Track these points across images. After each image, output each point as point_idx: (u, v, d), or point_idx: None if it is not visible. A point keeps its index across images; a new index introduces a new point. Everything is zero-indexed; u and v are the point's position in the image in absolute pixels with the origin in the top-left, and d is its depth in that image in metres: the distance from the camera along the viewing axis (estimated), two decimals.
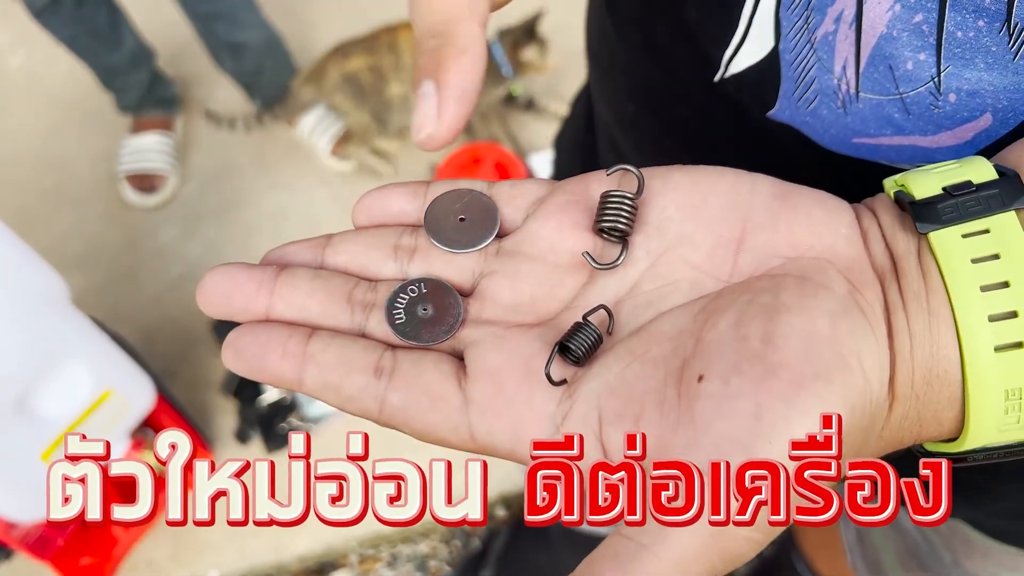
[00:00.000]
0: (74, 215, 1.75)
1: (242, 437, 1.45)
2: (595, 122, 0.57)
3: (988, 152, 0.30)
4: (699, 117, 0.39)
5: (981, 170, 0.27)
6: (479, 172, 1.61)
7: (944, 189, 0.26)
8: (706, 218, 0.28)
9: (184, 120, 1.85)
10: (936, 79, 0.30)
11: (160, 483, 1.22)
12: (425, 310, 0.29)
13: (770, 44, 0.33)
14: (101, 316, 1.20)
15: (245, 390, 1.46)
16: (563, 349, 0.27)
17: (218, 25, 1.60)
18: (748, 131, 0.37)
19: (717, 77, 0.36)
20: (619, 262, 0.28)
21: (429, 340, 0.29)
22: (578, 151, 0.63)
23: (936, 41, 0.29)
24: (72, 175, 1.81)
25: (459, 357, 0.29)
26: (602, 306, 0.28)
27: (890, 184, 0.29)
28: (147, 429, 1.28)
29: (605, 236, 0.29)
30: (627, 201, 0.28)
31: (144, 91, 1.72)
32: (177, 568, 1.36)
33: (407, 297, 0.29)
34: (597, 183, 0.30)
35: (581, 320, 0.27)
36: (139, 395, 1.16)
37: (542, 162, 1.70)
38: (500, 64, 1.59)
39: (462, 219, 0.30)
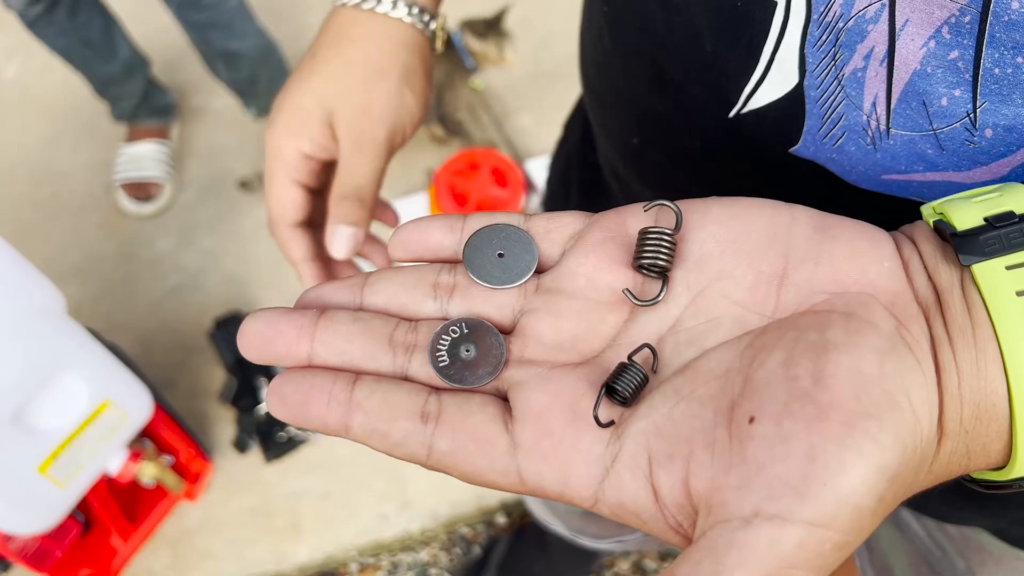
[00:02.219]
0: (70, 225, 1.75)
1: (241, 446, 1.44)
2: (595, 146, 0.57)
3: None
4: (711, 151, 0.39)
5: (1022, 199, 0.26)
6: (476, 177, 1.61)
7: (986, 219, 0.26)
8: (746, 252, 0.28)
9: (180, 128, 1.85)
10: (972, 115, 0.30)
11: (159, 494, 1.22)
12: (468, 351, 0.29)
13: (794, 80, 0.33)
14: (98, 326, 1.19)
15: (243, 399, 1.45)
16: (610, 390, 0.27)
17: (213, 34, 1.60)
18: (766, 166, 0.37)
19: (733, 112, 0.36)
20: (660, 298, 0.28)
21: (473, 382, 0.28)
22: (576, 168, 0.62)
23: (972, 77, 0.29)
24: (68, 185, 1.81)
25: (503, 397, 0.28)
26: (646, 345, 0.28)
27: (928, 212, 0.28)
28: (145, 439, 1.27)
29: (645, 272, 0.29)
30: (666, 237, 0.28)
31: (139, 100, 1.72)
32: None
33: (449, 338, 0.29)
34: (633, 218, 0.30)
35: (627, 360, 0.27)
36: (136, 406, 1.15)
37: (539, 167, 1.70)
38: (463, 57, 1.59)
39: (500, 255, 0.30)
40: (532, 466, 0.26)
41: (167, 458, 1.32)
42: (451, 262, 0.31)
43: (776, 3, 0.32)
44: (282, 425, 1.43)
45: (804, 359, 0.25)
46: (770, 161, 0.36)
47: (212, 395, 1.50)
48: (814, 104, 0.33)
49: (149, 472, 1.23)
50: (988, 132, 0.30)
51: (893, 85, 0.30)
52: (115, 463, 1.17)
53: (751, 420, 0.24)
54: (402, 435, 0.27)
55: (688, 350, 0.28)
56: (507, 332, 0.30)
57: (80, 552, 1.28)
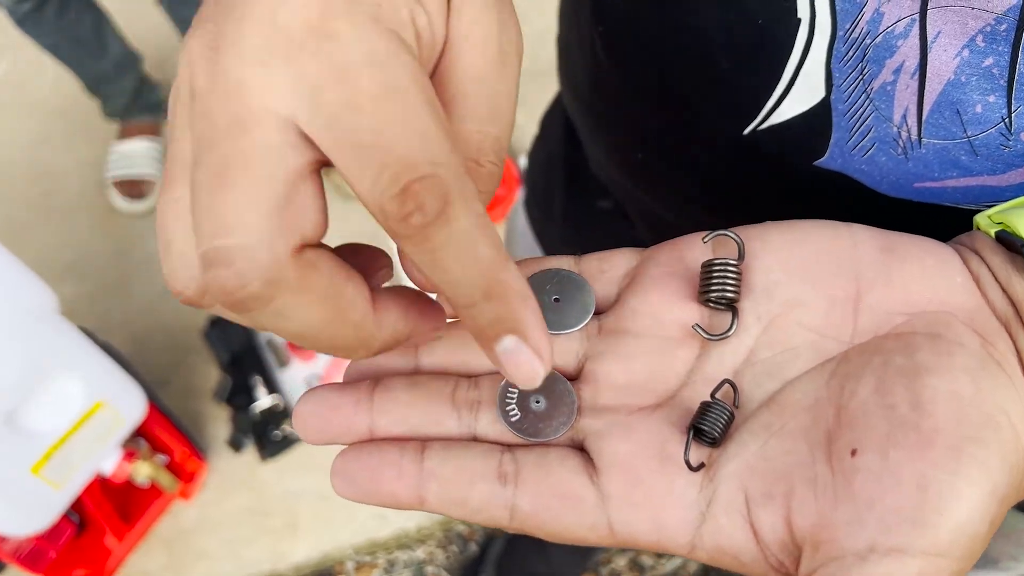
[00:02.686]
0: (63, 224, 1.74)
1: (236, 445, 1.44)
2: (578, 146, 0.56)
3: None
4: (726, 165, 0.38)
5: None
6: None
7: None
8: (815, 278, 0.27)
9: None
10: (1007, 119, 0.29)
11: (154, 493, 1.21)
12: (538, 402, 0.28)
13: (820, 95, 0.32)
14: (92, 326, 1.19)
15: (238, 397, 1.45)
16: (697, 431, 0.26)
17: None
18: (788, 179, 0.36)
19: (750, 128, 0.35)
20: (731, 332, 0.28)
21: (549, 435, 0.27)
22: (559, 167, 0.61)
23: (1008, 83, 0.29)
24: (60, 184, 1.80)
25: (578, 447, 0.28)
26: (727, 381, 0.27)
27: (985, 222, 0.28)
28: (139, 439, 1.27)
29: (711, 305, 0.28)
30: (731, 268, 0.27)
31: (131, 97, 1.71)
32: None
33: (516, 390, 0.28)
34: (690, 251, 0.29)
35: (710, 399, 0.26)
36: (130, 406, 1.15)
37: None
38: None
39: (556, 299, 0.29)
40: (624, 517, 0.26)
41: (162, 457, 1.31)
42: None
43: (800, 19, 0.31)
44: (277, 423, 1.43)
45: (898, 385, 0.24)
46: (792, 174, 0.36)
47: (207, 394, 1.49)
48: (841, 117, 0.32)
49: (144, 472, 1.23)
50: (1023, 136, 0.30)
51: (925, 96, 0.30)
52: (109, 463, 1.16)
53: (853, 453, 0.24)
54: (482, 500, 0.26)
55: (769, 382, 0.27)
56: (573, 379, 0.29)
57: (74, 552, 1.27)
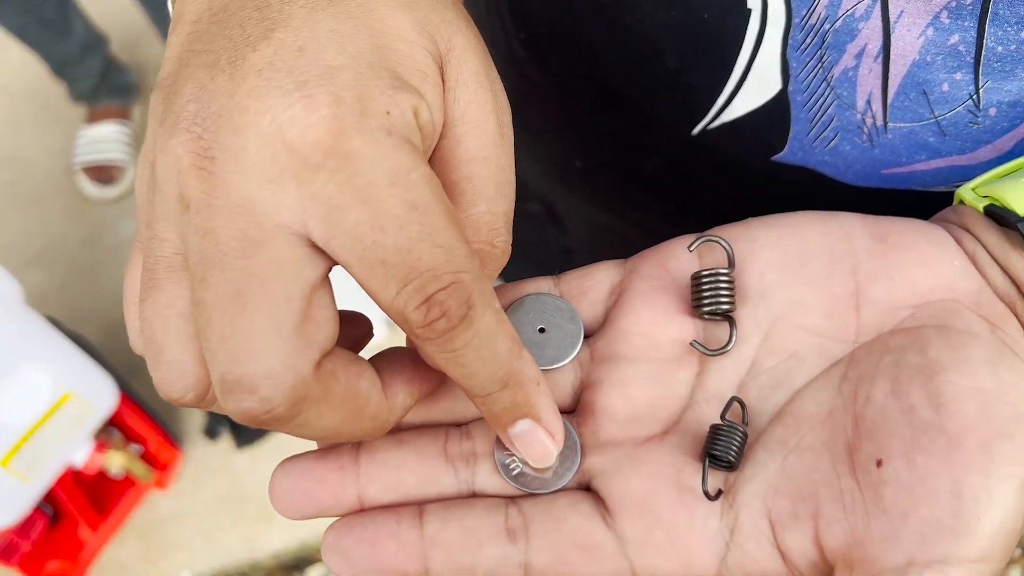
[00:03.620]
0: (30, 212, 1.71)
1: (211, 433, 1.43)
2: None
3: None
4: (676, 168, 0.37)
5: None
6: None
7: None
8: (811, 277, 0.26)
9: (142, 108, 1.81)
10: (975, 96, 0.29)
11: (128, 484, 1.20)
12: None
13: (776, 87, 0.31)
14: (62, 315, 1.17)
15: None
16: (711, 457, 0.25)
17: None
18: (745, 177, 0.35)
19: (699, 127, 0.34)
20: (731, 346, 0.26)
21: (555, 485, 0.26)
22: None
23: (974, 59, 0.28)
24: (27, 170, 1.76)
25: (586, 487, 0.26)
26: (735, 398, 0.26)
27: (971, 196, 0.27)
28: (112, 429, 1.25)
29: (706, 317, 0.27)
30: (723, 277, 0.26)
31: (97, 79, 1.67)
32: (148, 569, 1.34)
33: None
34: (674, 260, 0.28)
35: (720, 422, 0.25)
36: (101, 396, 1.13)
37: None
38: None
39: (542, 329, 0.28)
40: (647, 559, 0.25)
41: (136, 447, 1.30)
42: None
43: (751, 10, 0.30)
44: None
45: (914, 385, 0.24)
46: (749, 172, 0.34)
47: None
48: (800, 109, 0.31)
49: (117, 462, 1.21)
50: (992, 111, 0.29)
51: (890, 79, 0.29)
52: (81, 454, 1.15)
53: (879, 463, 0.23)
54: (493, 562, 0.25)
55: (776, 393, 0.26)
56: (570, 412, 0.28)
57: (48, 545, 1.26)
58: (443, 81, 0.24)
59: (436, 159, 0.24)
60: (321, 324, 0.22)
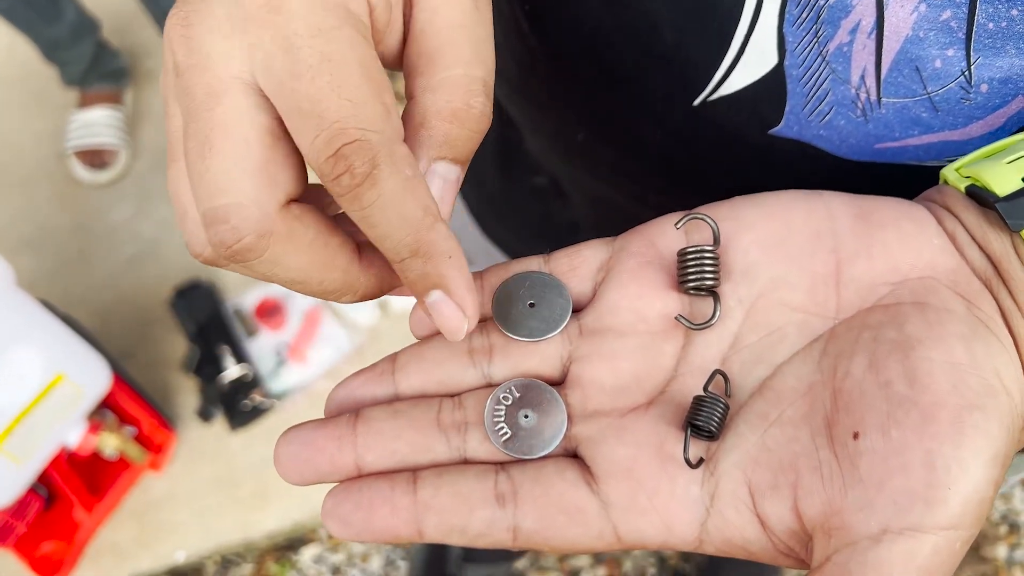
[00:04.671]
0: (22, 196, 1.71)
1: (205, 415, 1.43)
2: (509, 120, 0.53)
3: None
4: (676, 140, 0.37)
5: None
6: None
7: None
8: (794, 255, 0.27)
9: (134, 92, 1.80)
10: (967, 72, 0.29)
11: (123, 466, 1.20)
12: (527, 417, 0.27)
13: (772, 62, 0.32)
14: (54, 299, 1.17)
15: (206, 368, 1.44)
16: (693, 427, 0.26)
17: None
18: (743, 150, 0.35)
19: (699, 100, 0.35)
20: (715, 320, 0.27)
21: (542, 450, 0.27)
22: (488, 145, 0.59)
23: (966, 35, 0.28)
24: (18, 154, 1.76)
25: (572, 454, 0.27)
26: (718, 371, 0.27)
27: (954, 176, 0.28)
28: (105, 411, 1.26)
29: (691, 293, 0.28)
30: (707, 254, 0.27)
31: (89, 64, 1.67)
32: (143, 551, 1.35)
33: (503, 407, 0.27)
34: (661, 237, 0.29)
35: (703, 393, 0.26)
36: (93, 378, 1.14)
37: None
38: None
39: (532, 304, 0.29)
40: (630, 523, 0.26)
41: (130, 429, 1.30)
42: (481, 322, 0.29)
43: None
44: (246, 393, 1.42)
45: (891, 360, 0.24)
46: (747, 145, 0.35)
47: (174, 365, 1.48)
48: (796, 83, 0.32)
49: (111, 443, 1.22)
50: (984, 87, 0.29)
51: (883, 55, 0.30)
52: (74, 436, 1.15)
53: (855, 436, 0.24)
54: (483, 525, 0.26)
55: (758, 368, 0.27)
56: (558, 384, 0.28)
57: (44, 526, 1.27)
58: None
59: (416, 31, 0.26)
60: (283, 170, 0.25)
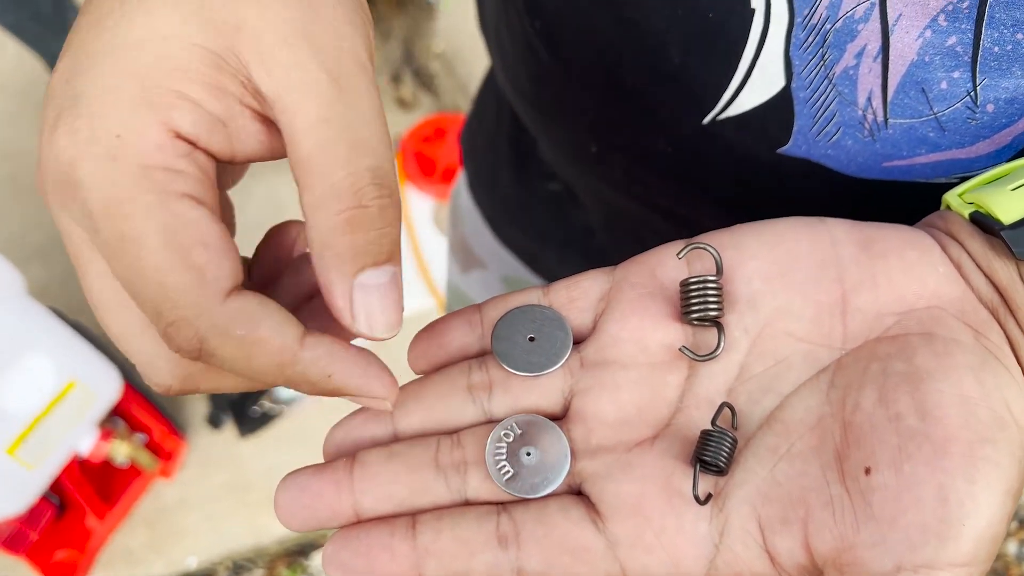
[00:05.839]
0: (31, 206, 1.71)
1: (214, 422, 1.44)
2: (522, 126, 0.53)
3: None
4: (687, 155, 0.38)
5: None
6: (443, 143, 1.59)
7: None
8: (798, 284, 0.27)
9: None
10: (972, 93, 0.29)
11: (134, 473, 1.21)
12: (529, 455, 0.26)
13: (780, 84, 0.32)
14: (65, 307, 1.18)
15: None
16: (702, 463, 0.25)
17: None
18: (752, 167, 0.36)
19: (708, 118, 0.35)
20: (719, 351, 0.27)
21: (545, 489, 0.26)
22: (502, 150, 0.59)
23: (972, 58, 0.28)
24: (27, 164, 1.77)
25: (576, 491, 0.27)
26: (725, 404, 0.26)
27: (956, 202, 0.28)
28: (116, 418, 1.26)
29: (695, 323, 0.27)
30: (711, 284, 0.27)
31: None
32: (155, 556, 1.36)
33: (504, 444, 0.27)
34: (661, 267, 0.29)
35: (711, 427, 0.26)
36: (105, 385, 1.14)
37: None
38: None
39: (531, 338, 0.28)
40: (637, 562, 0.25)
41: (140, 436, 1.31)
42: (481, 357, 0.29)
43: (755, 10, 0.30)
44: (256, 399, 1.42)
45: (900, 393, 0.24)
46: (756, 162, 0.35)
47: None
48: (804, 104, 0.32)
49: (122, 451, 1.22)
50: (990, 107, 0.29)
51: (889, 78, 0.30)
52: (86, 443, 1.16)
53: (867, 471, 0.24)
54: (485, 568, 0.25)
55: (765, 399, 0.27)
56: (560, 419, 0.28)
57: (56, 534, 1.27)
58: (244, 63, 0.23)
59: (285, 136, 0.23)
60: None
